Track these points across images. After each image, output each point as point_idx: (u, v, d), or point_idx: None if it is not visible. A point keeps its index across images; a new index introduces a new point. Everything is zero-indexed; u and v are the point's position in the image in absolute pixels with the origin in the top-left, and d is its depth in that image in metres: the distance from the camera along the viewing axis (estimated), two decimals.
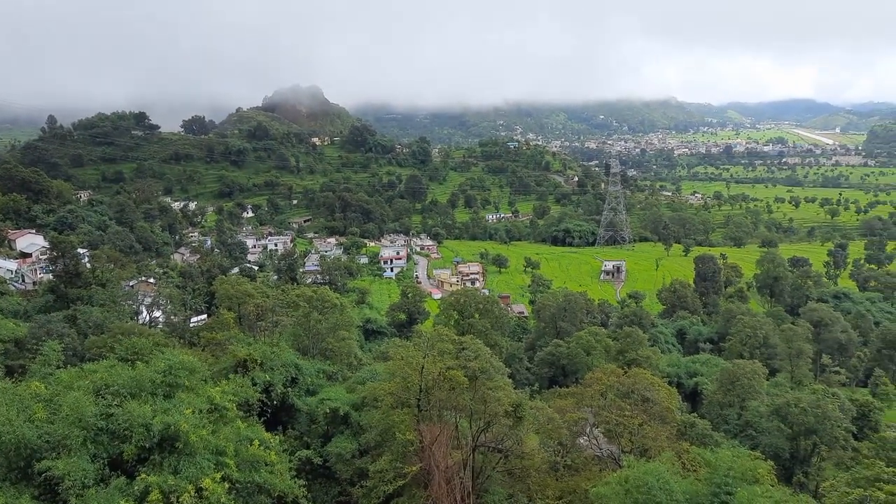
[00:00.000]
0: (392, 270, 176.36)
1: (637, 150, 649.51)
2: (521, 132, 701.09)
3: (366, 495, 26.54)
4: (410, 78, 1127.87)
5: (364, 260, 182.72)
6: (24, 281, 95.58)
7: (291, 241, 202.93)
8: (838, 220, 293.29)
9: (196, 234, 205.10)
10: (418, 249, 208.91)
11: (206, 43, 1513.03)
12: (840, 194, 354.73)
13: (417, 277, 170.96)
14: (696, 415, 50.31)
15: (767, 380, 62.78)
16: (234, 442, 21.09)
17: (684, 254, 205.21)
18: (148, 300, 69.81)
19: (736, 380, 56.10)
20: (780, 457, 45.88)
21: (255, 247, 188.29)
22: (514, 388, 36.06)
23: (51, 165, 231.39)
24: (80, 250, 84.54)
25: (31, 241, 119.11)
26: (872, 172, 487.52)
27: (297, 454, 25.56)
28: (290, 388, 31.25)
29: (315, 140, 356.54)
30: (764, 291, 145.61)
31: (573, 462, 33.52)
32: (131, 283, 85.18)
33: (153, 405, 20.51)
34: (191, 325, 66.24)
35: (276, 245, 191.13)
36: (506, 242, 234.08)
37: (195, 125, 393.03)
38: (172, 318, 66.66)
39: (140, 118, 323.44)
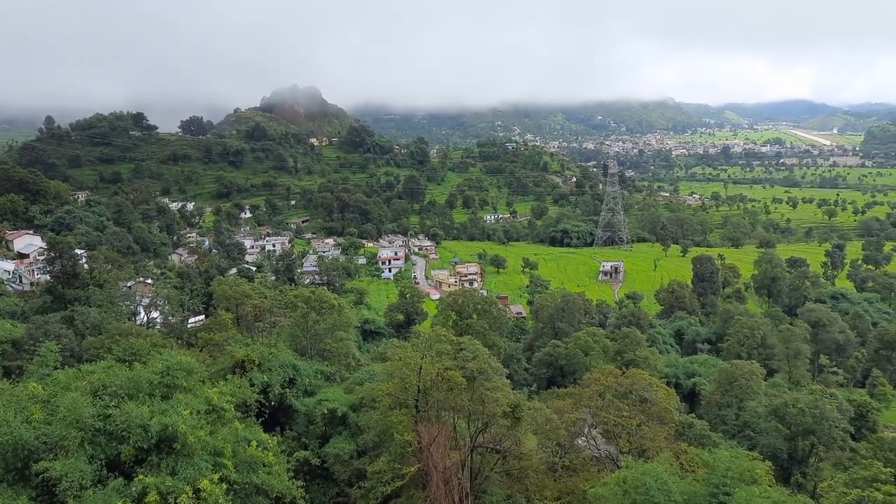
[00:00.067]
0: (390, 271, 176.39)
1: (635, 150, 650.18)
2: (520, 133, 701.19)
3: (364, 496, 26.53)
4: (408, 78, 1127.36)
5: (362, 260, 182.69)
6: (21, 282, 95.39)
7: (289, 242, 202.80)
8: (836, 220, 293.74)
9: (194, 234, 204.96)
10: (416, 250, 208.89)
11: (204, 43, 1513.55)
12: (837, 195, 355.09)
13: (415, 278, 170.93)
14: (694, 415, 50.32)
15: (765, 380, 62.80)
16: (232, 443, 21.08)
17: (682, 254, 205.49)
18: (146, 301, 69.64)
19: (734, 380, 56.15)
20: (778, 457, 45.92)
21: (252, 247, 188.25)
22: (513, 389, 36.05)
23: (48, 166, 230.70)
24: (78, 251, 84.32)
25: (29, 242, 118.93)
26: (870, 173, 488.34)
27: (294, 455, 25.58)
28: (287, 389, 31.22)
29: (313, 141, 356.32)
30: (762, 292, 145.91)
31: (571, 463, 33.54)
32: (129, 284, 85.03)
33: (151, 406, 20.49)
34: (188, 325, 66.13)
35: (273, 246, 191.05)
36: (504, 243, 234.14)
37: (193, 126, 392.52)
38: (170, 318, 66.53)
39: (138, 119, 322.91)
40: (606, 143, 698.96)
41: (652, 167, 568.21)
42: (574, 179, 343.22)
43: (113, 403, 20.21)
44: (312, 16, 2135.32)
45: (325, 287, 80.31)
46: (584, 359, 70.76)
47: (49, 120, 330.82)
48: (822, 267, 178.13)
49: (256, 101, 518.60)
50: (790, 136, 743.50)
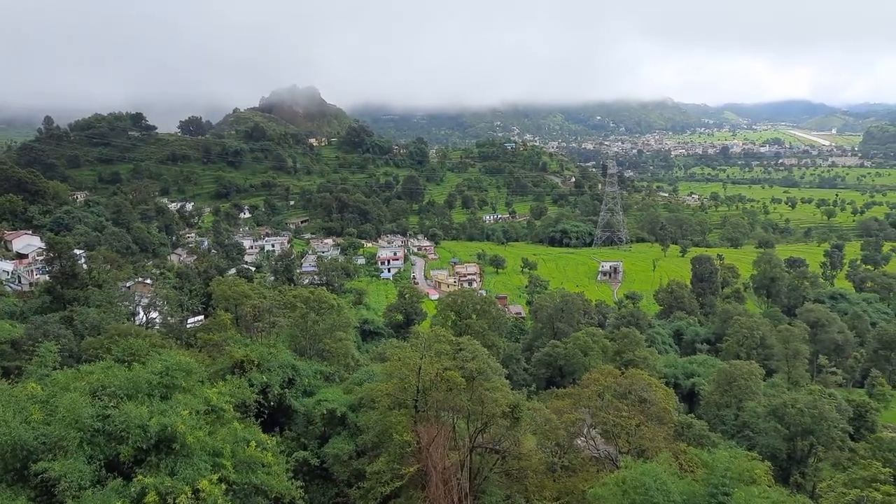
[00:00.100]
0: (389, 271, 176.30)
1: (634, 150, 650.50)
2: (519, 133, 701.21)
3: (363, 496, 26.53)
4: (408, 78, 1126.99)
5: (361, 261, 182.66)
6: (20, 282, 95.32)
7: (288, 242, 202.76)
8: (835, 220, 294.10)
9: (193, 234, 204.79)
10: (415, 250, 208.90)
11: (204, 43, 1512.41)
12: (836, 195, 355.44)
13: (415, 278, 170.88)
14: (693, 415, 50.38)
15: (764, 380, 62.85)
16: (231, 443, 21.07)
17: (681, 254, 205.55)
18: (145, 301, 69.59)
19: (733, 380, 56.18)
20: (777, 457, 45.97)
21: (251, 248, 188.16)
22: (512, 389, 36.05)
23: (47, 166, 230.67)
24: (77, 251, 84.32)
25: (28, 243, 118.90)
26: (869, 173, 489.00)
27: (294, 455, 25.55)
28: (287, 390, 31.19)
29: (312, 141, 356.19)
30: (761, 292, 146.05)
31: (570, 463, 33.54)
32: (128, 285, 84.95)
33: (150, 406, 20.48)
34: (188, 326, 66.06)
35: (273, 246, 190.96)
36: (503, 243, 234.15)
37: (192, 126, 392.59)
38: (169, 319, 66.44)
39: (137, 119, 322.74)
40: (605, 143, 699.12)
41: (651, 167, 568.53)
42: (573, 180, 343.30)
43: (112, 404, 20.20)
44: (312, 16, 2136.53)
45: (324, 287, 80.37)
46: (584, 359, 70.77)
47: (48, 120, 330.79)
48: (821, 267, 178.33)
49: (256, 101, 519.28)
50: (789, 137, 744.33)
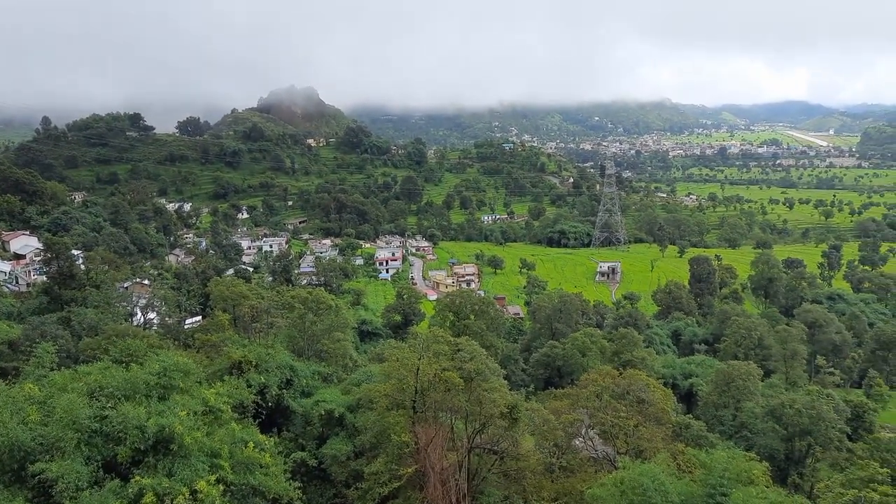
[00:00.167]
0: (387, 272, 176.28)
1: (632, 151, 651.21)
2: (517, 133, 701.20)
3: (361, 497, 26.50)
4: (406, 79, 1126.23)
5: (359, 261, 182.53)
6: (17, 282, 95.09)
7: (286, 243, 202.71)
8: (832, 221, 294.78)
9: (191, 235, 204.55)
10: (414, 251, 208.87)
11: (203, 43, 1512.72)
12: (834, 196, 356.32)
13: (413, 279, 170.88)
14: (691, 416, 50.47)
15: (762, 381, 62.91)
16: (229, 444, 21.03)
17: (679, 255, 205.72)
18: (142, 302, 69.51)
19: (731, 381, 56.22)
20: (775, 458, 46.01)
21: (250, 248, 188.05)
22: (510, 390, 36.05)
23: (45, 167, 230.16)
24: (75, 252, 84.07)
25: (25, 243, 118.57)
26: (866, 174, 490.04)
27: (292, 456, 25.51)
28: (285, 390, 31.15)
29: (310, 141, 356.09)
30: (758, 293, 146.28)
31: (569, 463, 33.53)
32: (126, 285, 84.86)
33: (147, 407, 20.41)
34: (185, 326, 66.00)
35: (271, 246, 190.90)
36: (501, 244, 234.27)
37: (190, 126, 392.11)
38: (167, 319, 66.35)
39: (135, 119, 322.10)
40: (604, 143, 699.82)
41: (649, 168, 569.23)
42: (571, 180, 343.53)
43: (109, 405, 20.14)
44: (311, 16, 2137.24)
45: (322, 288, 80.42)
46: (582, 359, 70.82)
47: (46, 120, 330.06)
48: (819, 268, 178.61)
49: (254, 101, 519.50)
50: (787, 137, 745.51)
